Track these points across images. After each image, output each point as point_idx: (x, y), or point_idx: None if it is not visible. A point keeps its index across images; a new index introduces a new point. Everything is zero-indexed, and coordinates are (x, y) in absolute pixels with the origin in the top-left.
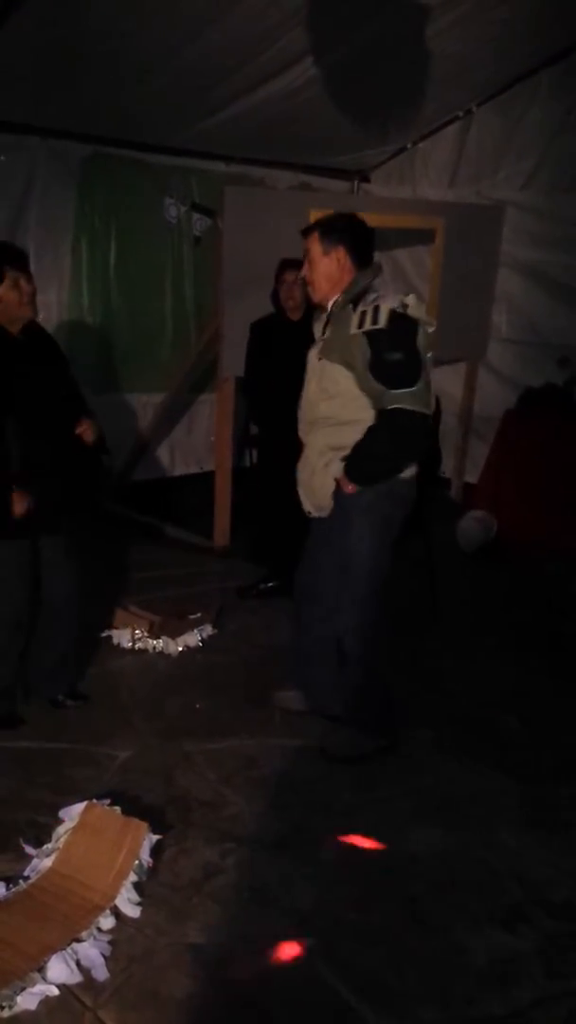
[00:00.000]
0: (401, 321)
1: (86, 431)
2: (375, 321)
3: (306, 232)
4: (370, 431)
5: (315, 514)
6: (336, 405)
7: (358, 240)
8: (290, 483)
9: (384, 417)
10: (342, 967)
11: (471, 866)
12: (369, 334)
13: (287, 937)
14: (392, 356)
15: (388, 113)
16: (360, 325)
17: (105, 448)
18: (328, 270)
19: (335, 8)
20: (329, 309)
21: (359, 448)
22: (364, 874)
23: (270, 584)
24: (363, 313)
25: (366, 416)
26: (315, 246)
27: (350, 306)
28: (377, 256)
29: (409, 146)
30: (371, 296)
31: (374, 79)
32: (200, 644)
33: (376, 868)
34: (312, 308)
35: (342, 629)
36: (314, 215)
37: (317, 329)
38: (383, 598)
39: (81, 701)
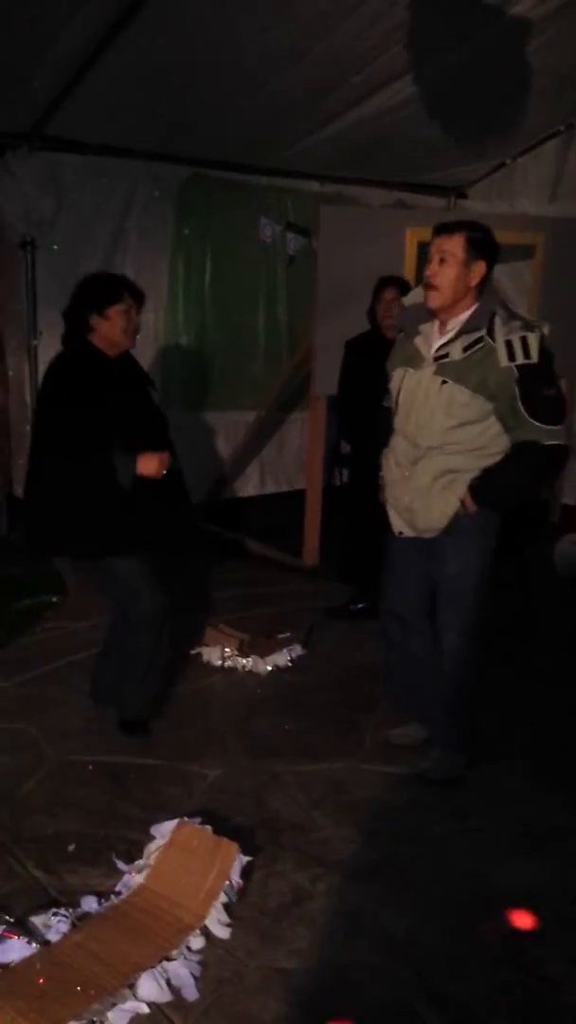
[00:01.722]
0: (548, 354)
1: (148, 464)
2: (527, 355)
3: (447, 230)
4: (519, 461)
5: (410, 535)
6: (467, 432)
7: (493, 257)
8: (382, 503)
9: (540, 451)
10: (434, 1000)
11: (566, 902)
12: (522, 368)
13: (379, 966)
14: (548, 392)
15: (487, 129)
16: (511, 357)
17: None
18: (462, 280)
19: (435, 26)
20: (454, 326)
21: (500, 475)
22: (455, 906)
23: (360, 605)
24: (509, 343)
25: (496, 444)
26: (459, 250)
27: (482, 332)
28: None
29: (508, 161)
30: (511, 322)
31: (473, 95)
32: (289, 664)
33: (468, 901)
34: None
35: (446, 650)
36: (411, 233)
37: (424, 346)
38: (482, 619)
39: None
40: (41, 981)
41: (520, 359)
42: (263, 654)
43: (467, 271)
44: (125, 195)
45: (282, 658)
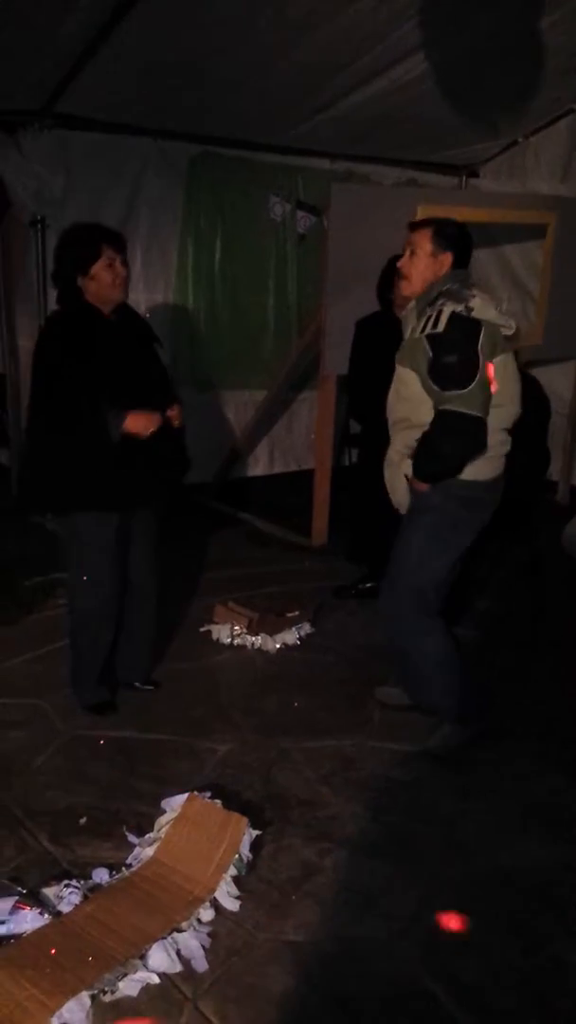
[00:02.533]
0: (461, 324)
1: (176, 415)
2: (435, 325)
3: (418, 225)
4: (428, 431)
5: (403, 511)
6: (408, 408)
7: (463, 254)
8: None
9: (435, 417)
10: (442, 976)
11: (572, 881)
12: (431, 338)
13: (387, 941)
14: (447, 359)
15: (499, 107)
16: (423, 329)
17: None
18: (429, 271)
19: (448, 2)
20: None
21: (418, 447)
22: (463, 884)
23: (368, 584)
24: (428, 317)
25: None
26: (426, 243)
27: (423, 310)
28: (477, 255)
29: (520, 140)
30: (440, 300)
31: (485, 73)
32: (298, 642)
33: (476, 879)
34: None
35: (380, 613)
36: (422, 211)
37: (406, 330)
38: (434, 594)
39: (154, 688)
40: (53, 951)
41: (429, 330)
42: (272, 632)
43: (434, 262)
44: (135, 173)
45: (291, 636)
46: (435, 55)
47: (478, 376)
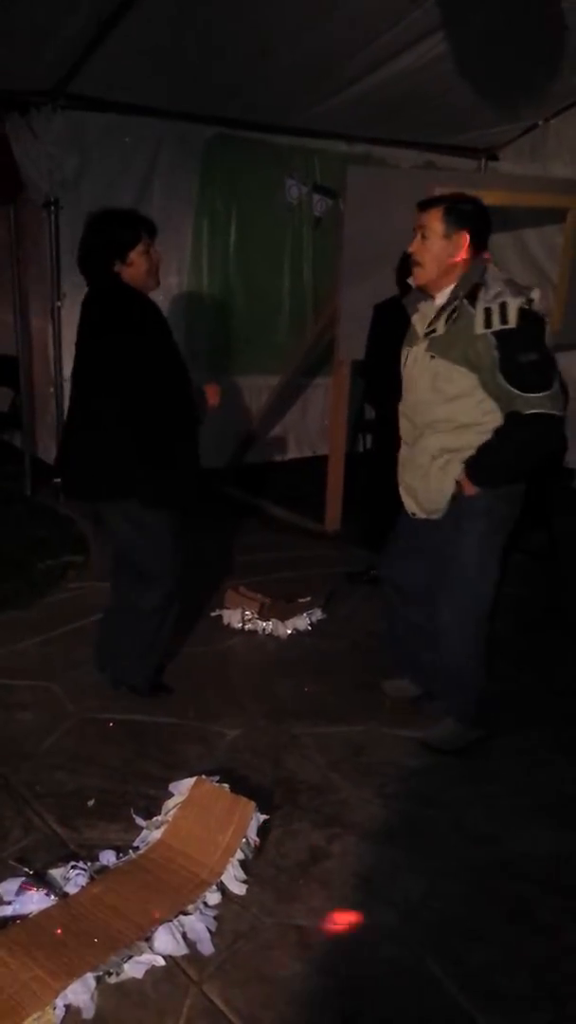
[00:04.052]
0: (531, 319)
1: (215, 394)
2: (504, 319)
3: (426, 205)
4: (502, 435)
5: (422, 516)
6: (455, 408)
7: (482, 228)
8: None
9: (521, 422)
10: (450, 963)
11: None
12: (499, 334)
13: (394, 926)
14: (527, 358)
15: (519, 89)
16: (488, 324)
17: None
18: (443, 254)
19: None
20: (441, 301)
21: (488, 451)
22: (472, 870)
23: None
24: (488, 310)
25: (490, 419)
26: (436, 224)
27: (465, 301)
28: (496, 239)
29: (541, 123)
30: (492, 290)
31: (506, 54)
32: (309, 628)
33: (485, 866)
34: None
35: (440, 627)
36: (438, 192)
37: (419, 321)
38: (492, 598)
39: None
40: (59, 932)
41: (496, 325)
42: (283, 617)
43: (449, 244)
44: (149, 155)
45: (302, 622)
46: (455, 35)
47: (556, 373)
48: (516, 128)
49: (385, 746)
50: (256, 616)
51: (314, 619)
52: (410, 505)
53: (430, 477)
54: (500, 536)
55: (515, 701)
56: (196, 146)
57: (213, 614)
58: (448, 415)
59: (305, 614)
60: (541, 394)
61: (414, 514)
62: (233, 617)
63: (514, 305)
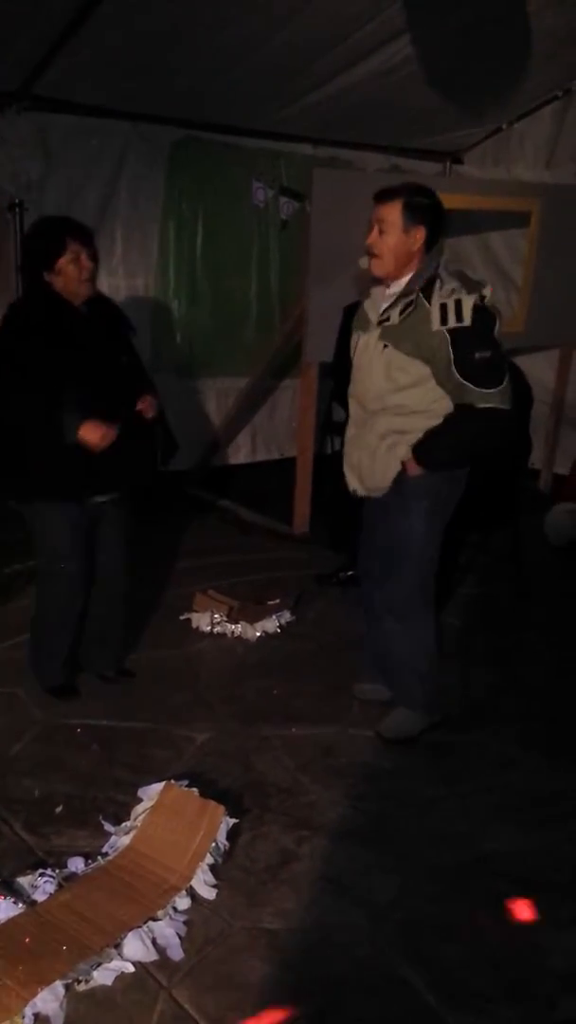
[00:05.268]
0: (484, 316)
1: (147, 407)
2: (459, 317)
3: (385, 197)
4: (453, 423)
5: (363, 494)
6: (407, 395)
7: (438, 223)
8: None
9: (473, 415)
10: (419, 962)
11: (553, 866)
12: (455, 331)
13: (365, 928)
14: (481, 355)
15: (484, 92)
16: (443, 321)
17: (167, 428)
18: (402, 248)
19: None
20: (396, 289)
21: (437, 436)
22: (442, 870)
23: (349, 572)
24: (443, 307)
25: (439, 406)
26: (396, 217)
27: (420, 295)
28: (460, 242)
29: (505, 126)
30: (447, 285)
31: (470, 58)
32: (278, 630)
33: (455, 865)
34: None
35: (386, 607)
36: None
37: (372, 310)
38: (431, 581)
39: (128, 678)
40: (27, 940)
41: (452, 323)
42: (252, 620)
43: (407, 237)
44: (115, 157)
45: (271, 624)
46: (420, 39)
47: (507, 369)
48: (481, 131)
49: (354, 747)
50: (225, 619)
51: (283, 621)
52: (352, 482)
53: (376, 456)
54: (444, 518)
55: (483, 700)
56: (162, 149)
57: (182, 618)
58: (400, 401)
59: (274, 616)
60: (494, 389)
61: (355, 491)
62: (202, 620)
63: (469, 302)
